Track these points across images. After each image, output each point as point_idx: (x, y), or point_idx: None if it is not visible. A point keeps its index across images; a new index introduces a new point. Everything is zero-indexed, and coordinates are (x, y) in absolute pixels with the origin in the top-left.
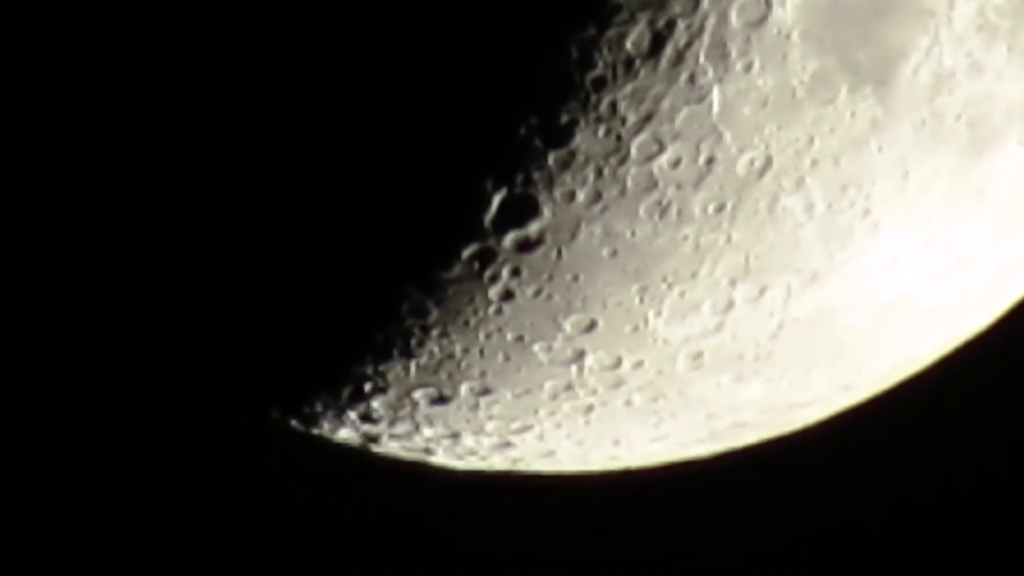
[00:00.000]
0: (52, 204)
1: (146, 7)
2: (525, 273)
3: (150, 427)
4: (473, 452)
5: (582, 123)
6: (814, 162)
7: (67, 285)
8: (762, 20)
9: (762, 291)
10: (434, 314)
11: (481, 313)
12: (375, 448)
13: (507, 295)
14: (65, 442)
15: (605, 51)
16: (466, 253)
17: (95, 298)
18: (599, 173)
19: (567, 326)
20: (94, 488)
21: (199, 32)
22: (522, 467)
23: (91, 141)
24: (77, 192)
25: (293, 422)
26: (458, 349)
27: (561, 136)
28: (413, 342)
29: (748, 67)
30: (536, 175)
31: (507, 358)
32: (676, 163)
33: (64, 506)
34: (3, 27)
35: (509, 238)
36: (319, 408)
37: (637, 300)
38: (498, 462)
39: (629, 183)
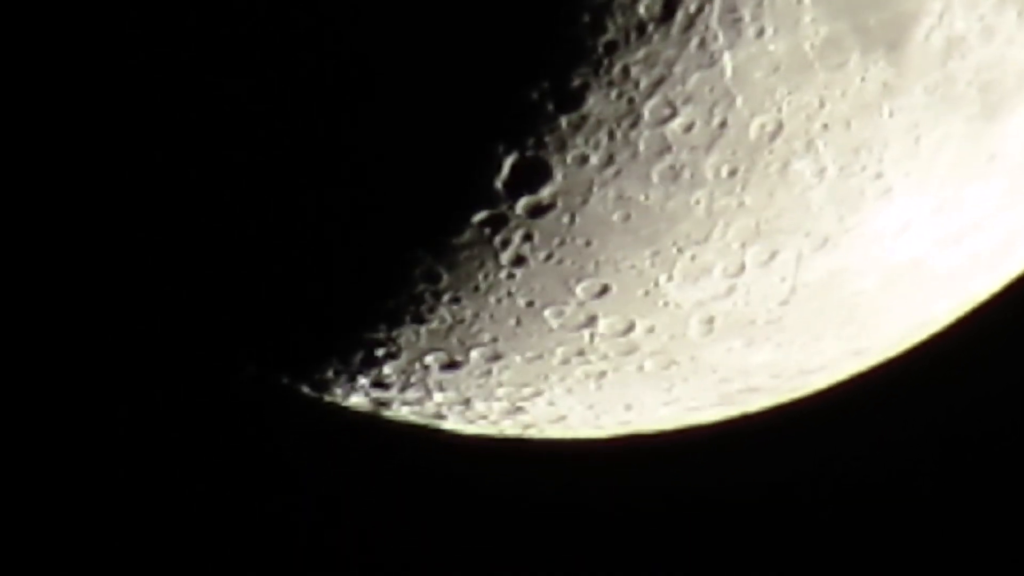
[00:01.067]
0: (52, 204)
1: (146, 7)
2: (537, 238)
3: (161, 395)
4: (484, 417)
5: (594, 87)
6: (825, 126)
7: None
8: None
9: (773, 255)
10: (445, 279)
11: (492, 278)
12: (386, 414)
13: (519, 260)
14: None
15: (617, 15)
16: (477, 218)
17: (100, 274)
18: (611, 137)
19: (579, 291)
20: (103, 451)
21: (199, 32)
22: (533, 432)
23: (91, 141)
24: (77, 192)
25: (304, 388)
26: (469, 314)
27: (573, 100)
28: (424, 307)
29: (760, 31)
30: (548, 139)
31: (518, 323)
32: (688, 127)
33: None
34: (3, 27)
35: (521, 203)
36: (330, 374)
37: (649, 264)
38: (509, 427)
39: (641, 147)
